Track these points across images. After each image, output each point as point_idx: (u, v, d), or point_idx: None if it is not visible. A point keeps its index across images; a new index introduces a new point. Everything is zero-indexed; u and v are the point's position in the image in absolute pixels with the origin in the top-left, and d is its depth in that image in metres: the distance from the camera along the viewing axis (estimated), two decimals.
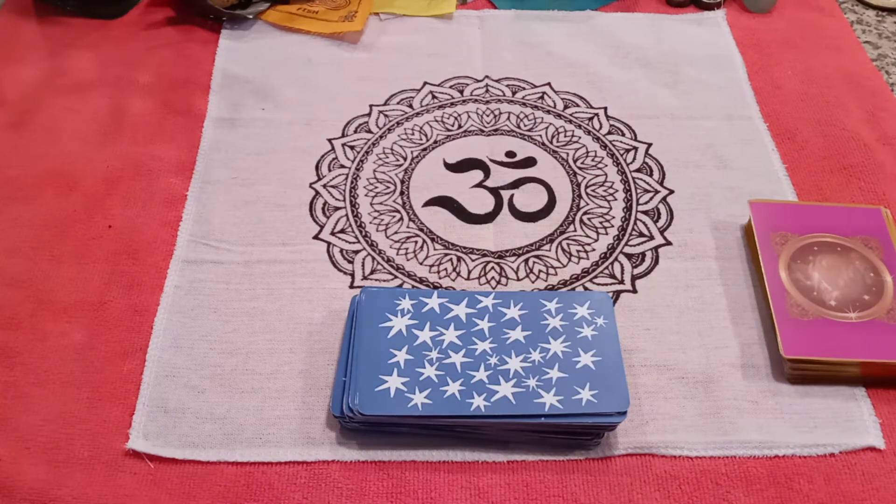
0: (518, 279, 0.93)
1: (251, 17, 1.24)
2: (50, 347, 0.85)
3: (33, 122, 1.09)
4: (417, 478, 0.77)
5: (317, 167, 1.04)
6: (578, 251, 0.96)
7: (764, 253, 0.91)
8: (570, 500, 0.76)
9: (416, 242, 0.96)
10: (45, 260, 0.93)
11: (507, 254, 0.95)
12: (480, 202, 1.01)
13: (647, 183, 1.03)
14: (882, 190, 1.02)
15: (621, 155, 1.06)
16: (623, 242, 0.97)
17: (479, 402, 0.77)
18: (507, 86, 1.16)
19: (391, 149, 1.07)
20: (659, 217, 0.99)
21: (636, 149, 1.07)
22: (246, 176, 1.03)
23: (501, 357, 0.81)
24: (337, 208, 0.99)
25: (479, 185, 1.03)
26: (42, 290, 0.90)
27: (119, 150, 1.05)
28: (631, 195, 1.02)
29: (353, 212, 0.99)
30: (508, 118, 1.11)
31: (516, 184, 1.03)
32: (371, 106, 1.12)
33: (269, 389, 0.83)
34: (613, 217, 0.99)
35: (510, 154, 1.07)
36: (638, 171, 1.05)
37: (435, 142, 1.08)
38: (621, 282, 0.93)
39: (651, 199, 1.01)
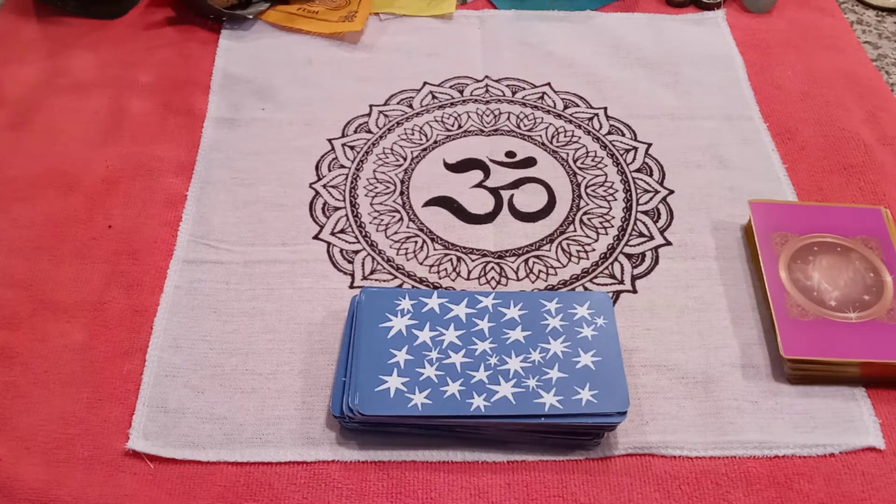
0: (518, 279, 0.93)
1: (251, 17, 1.24)
2: (50, 347, 0.85)
3: (33, 122, 1.09)
4: (417, 478, 0.77)
5: (317, 167, 1.04)
6: (578, 251, 0.96)
7: (764, 253, 0.91)
8: (570, 500, 0.76)
9: (416, 242, 0.96)
10: (45, 260, 0.93)
11: (507, 254, 0.95)
12: (480, 202, 1.01)
13: (647, 183, 1.03)
14: (882, 190, 1.02)
15: (621, 155, 1.06)
16: (623, 242, 0.97)
17: (479, 402, 0.77)
18: (507, 86, 1.16)
19: (391, 149, 1.07)
20: (659, 217, 0.99)
21: (636, 149, 1.07)
22: (246, 176, 1.03)
23: (501, 357, 0.81)
24: (337, 208, 0.99)
25: (479, 185, 1.03)
26: (42, 290, 0.90)
27: (119, 150, 1.05)
28: (631, 195, 1.02)
29: (353, 212, 0.99)
30: (508, 118, 1.11)
31: (516, 184, 1.03)
32: (371, 106, 1.12)
33: (269, 389, 0.83)
34: (613, 217, 0.99)
35: (510, 154, 1.07)
36: (638, 171, 1.05)
37: (435, 142, 1.08)
38: (621, 282, 0.93)
39: (651, 199, 1.01)
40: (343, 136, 1.08)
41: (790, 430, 0.80)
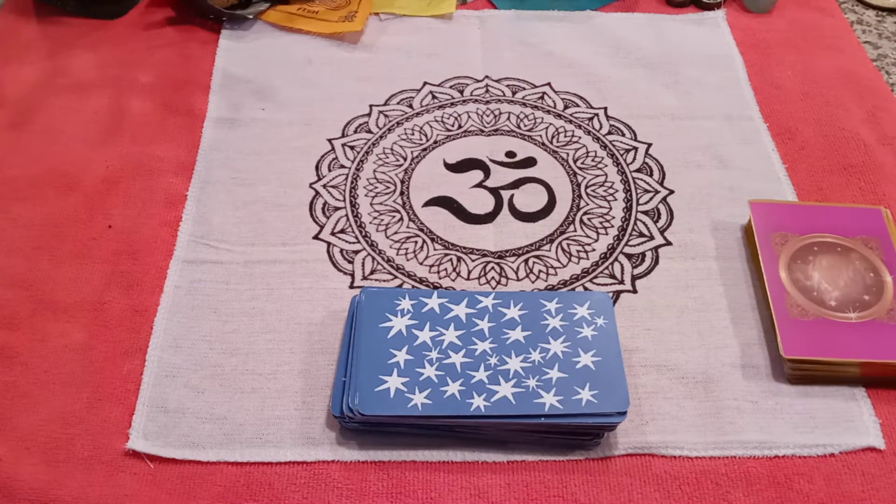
0: (518, 279, 0.93)
1: (251, 17, 1.24)
2: (50, 347, 0.85)
3: (33, 122, 1.09)
4: (417, 478, 0.77)
5: (317, 167, 1.04)
6: (578, 251, 0.96)
7: (764, 253, 0.91)
8: (570, 500, 0.76)
9: (416, 242, 0.96)
10: (45, 260, 0.93)
11: (507, 254, 0.95)
12: (480, 202, 1.01)
13: (647, 183, 1.03)
14: (882, 190, 1.02)
15: (621, 155, 1.06)
16: (623, 242, 0.97)
17: (479, 403, 0.77)
18: (507, 86, 1.16)
19: (391, 149, 1.07)
20: (659, 217, 0.99)
21: (636, 149, 1.07)
22: (246, 176, 1.03)
23: (501, 357, 0.81)
24: (337, 208, 0.99)
25: (479, 185, 1.03)
26: (42, 290, 0.90)
27: (119, 150, 1.05)
28: (631, 195, 1.02)
29: (353, 212, 0.99)
30: (508, 118, 1.11)
31: (516, 184, 1.03)
32: (371, 106, 1.12)
33: (269, 389, 0.83)
34: (613, 217, 0.99)
35: (510, 154, 1.07)
36: (638, 171, 1.05)
37: (435, 142, 1.08)
38: (621, 282, 0.93)
39: (651, 199, 1.01)
40: (343, 136, 1.08)
41: (790, 430, 0.80)
